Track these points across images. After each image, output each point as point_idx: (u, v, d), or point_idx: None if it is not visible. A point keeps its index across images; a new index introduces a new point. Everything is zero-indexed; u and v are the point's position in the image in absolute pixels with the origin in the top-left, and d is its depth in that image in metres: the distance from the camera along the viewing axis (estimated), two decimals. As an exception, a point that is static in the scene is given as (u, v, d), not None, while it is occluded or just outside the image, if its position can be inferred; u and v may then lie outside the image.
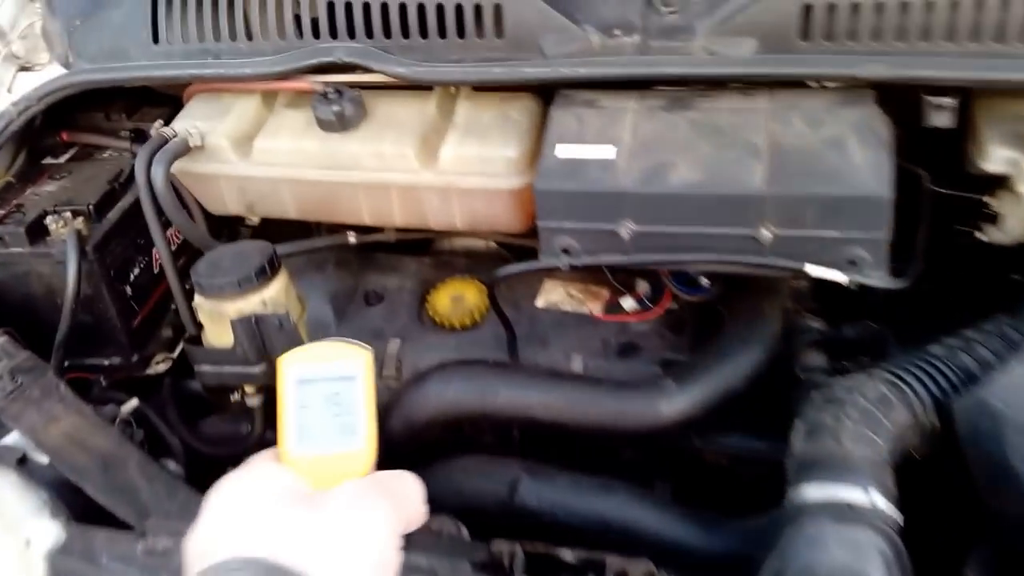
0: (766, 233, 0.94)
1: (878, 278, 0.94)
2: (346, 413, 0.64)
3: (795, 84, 1.03)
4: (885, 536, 0.77)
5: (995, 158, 0.96)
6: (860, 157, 0.92)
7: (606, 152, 1.01)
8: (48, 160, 1.45)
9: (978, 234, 1.08)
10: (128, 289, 1.35)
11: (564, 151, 1.03)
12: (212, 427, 1.33)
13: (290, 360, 0.65)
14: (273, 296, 1.08)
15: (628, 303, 1.29)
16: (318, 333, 1.43)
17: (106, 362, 1.36)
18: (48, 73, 1.36)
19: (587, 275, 1.39)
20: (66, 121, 1.46)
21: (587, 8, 1.11)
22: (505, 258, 1.47)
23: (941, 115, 0.97)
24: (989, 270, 1.13)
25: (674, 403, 1.04)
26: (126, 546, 0.94)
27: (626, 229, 1.00)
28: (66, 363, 1.30)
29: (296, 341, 1.04)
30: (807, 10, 1.02)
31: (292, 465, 0.63)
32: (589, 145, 1.02)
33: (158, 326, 1.41)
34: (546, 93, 1.15)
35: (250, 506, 0.60)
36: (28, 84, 1.34)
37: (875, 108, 0.98)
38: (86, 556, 0.93)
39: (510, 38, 1.12)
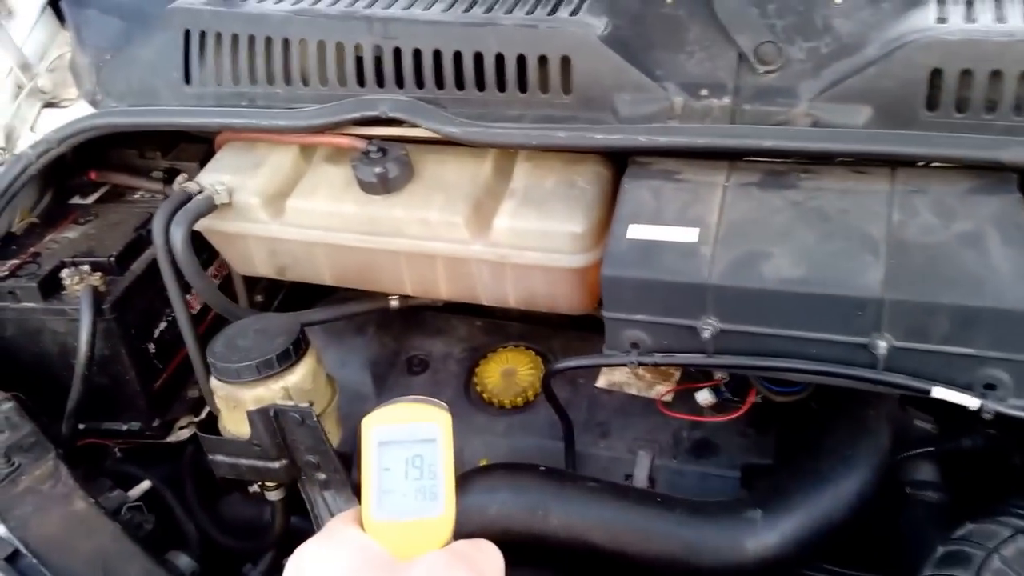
0: (882, 344, 0.78)
1: (1021, 407, 0.77)
2: (427, 477, 0.62)
3: (924, 165, 0.86)
4: None
5: None
6: (1003, 259, 0.76)
7: (687, 235, 0.86)
8: (75, 200, 1.35)
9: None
10: (151, 347, 1.24)
11: (638, 232, 0.88)
12: (233, 508, 1.20)
13: (373, 420, 0.63)
14: (297, 383, 0.95)
15: (703, 396, 1.13)
16: (355, 404, 1.30)
17: (124, 427, 1.25)
18: (75, 111, 1.26)
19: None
20: (96, 158, 1.36)
21: (669, 64, 0.96)
22: (565, 326, 1.33)
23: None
24: None
25: (762, 539, 0.87)
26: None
27: (708, 327, 0.84)
28: (81, 426, 1.20)
29: (321, 440, 0.91)
30: (936, 75, 0.85)
31: (373, 531, 0.61)
32: (668, 227, 0.87)
33: (183, 386, 1.30)
34: (619, 157, 1.00)
35: (332, 573, 0.58)
36: (54, 121, 1.24)
37: (1019, 197, 0.81)
38: None
39: (578, 95, 0.98)
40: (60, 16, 1.34)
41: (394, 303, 1.21)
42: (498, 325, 1.38)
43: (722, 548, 0.87)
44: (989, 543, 0.75)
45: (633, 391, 1.22)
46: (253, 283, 1.34)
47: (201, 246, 1.15)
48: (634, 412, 1.18)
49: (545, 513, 0.92)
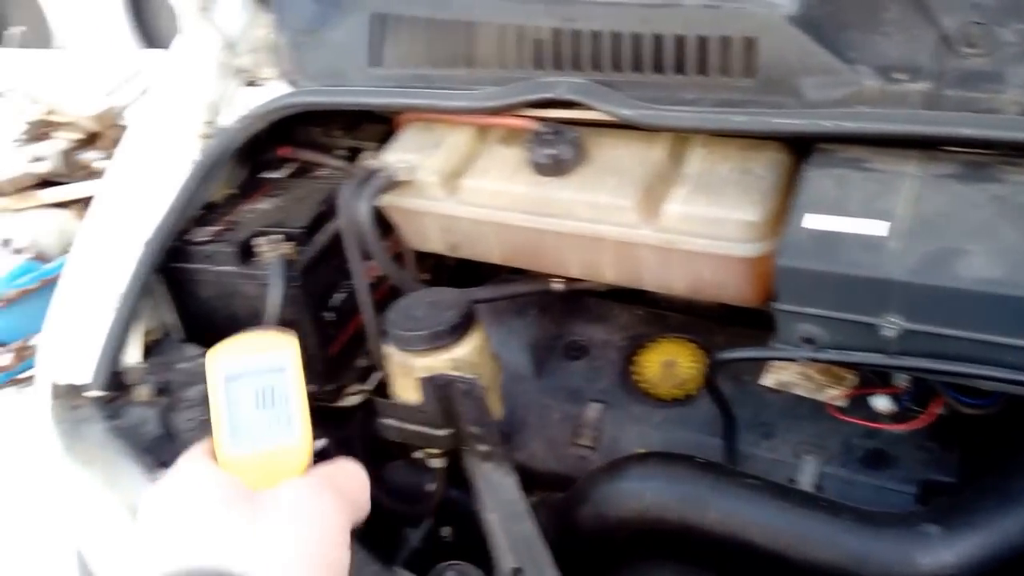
0: (1094, 356, 0.71)
1: None
2: (279, 407, 0.62)
3: None
4: None
5: None
6: None
7: (874, 228, 0.82)
8: (267, 174, 1.45)
9: None
10: (329, 315, 1.31)
11: (818, 222, 0.84)
12: (397, 473, 1.25)
13: (216, 355, 0.63)
14: (465, 356, 0.98)
15: (881, 403, 1.06)
16: (515, 386, 1.32)
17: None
18: (271, 89, 1.35)
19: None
20: (286, 136, 1.45)
21: (863, 46, 0.91)
22: (730, 318, 1.29)
23: None
24: None
25: (937, 556, 0.81)
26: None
27: (891, 326, 0.80)
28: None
29: (485, 412, 0.93)
30: None
31: (227, 465, 0.61)
32: (852, 218, 0.83)
33: (354, 355, 1.36)
34: (800, 143, 0.96)
35: (189, 513, 0.57)
36: (252, 99, 1.33)
37: None
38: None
39: (762, 77, 0.95)
40: (262, -3, 1.44)
41: (557, 286, 1.23)
42: (659, 315, 1.35)
43: (891, 561, 0.82)
44: None
45: (801, 392, 1.17)
46: (420, 261, 1.39)
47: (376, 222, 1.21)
48: (802, 414, 1.12)
49: (703, 506, 0.90)
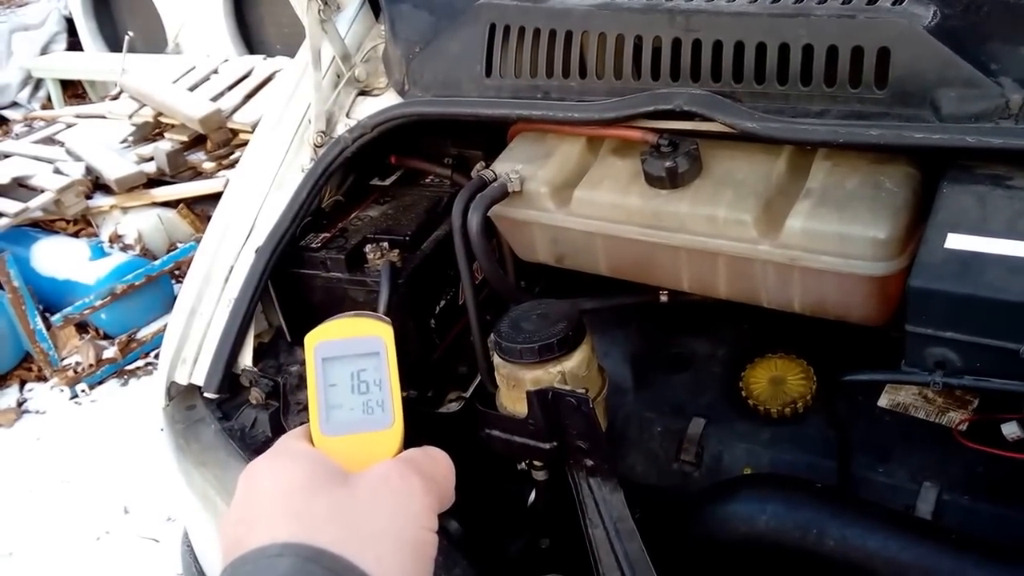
0: None
1: None
2: (372, 391, 0.63)
3: None
4: None
5: None
6: None
7: (1018, 249, 0.77)
8: (375, 181, 1.47)
9: None
10: (432, 322, 1.33)
11: (957, 242, 0.81)
12: (498, 484, 1.25)
13: (315, 337, 0.63)
14: (573, 368, 0.97)
15: (1010, 429, 1.01)
16: (615, 398, 1.31)
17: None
18: (385, 99, 1.37)
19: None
20: (393, 143, 1.47)
21: (1008, 58, 0.87)
22: (845, 335, 1.25)
23: None
24: None
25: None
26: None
27: (1035, 352, 0.75)
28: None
29: (593, 427, 0.92)
30: None
31: (323, 446, 0.62)
32: (995, 239, 0.79)
33: (455, 362, 1.37)
34: (932, 159, 0.92)
35: (285, 490, 0.58)
36: (366, 109, 1.35)
37: None
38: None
39: (894, 90, 0.91)
40: (375, 10, 1.46)
41: (664, 298, 1.21)
42: (767, 331, 1.32)
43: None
44: None
45: (921, 415, 1.12)
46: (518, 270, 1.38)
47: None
48: (921, 438, 1.08)
49: (820, 533, 0.86)
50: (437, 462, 0.65)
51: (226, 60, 4.70)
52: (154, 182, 4.08)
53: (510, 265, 1.37)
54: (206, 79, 4.47)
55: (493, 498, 1.19)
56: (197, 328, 1.19)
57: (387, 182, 1.47)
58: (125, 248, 3.92)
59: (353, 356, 0.63)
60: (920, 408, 1.13)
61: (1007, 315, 0.76)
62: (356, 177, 1.48)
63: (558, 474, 1.02)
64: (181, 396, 1.17)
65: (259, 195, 1.27)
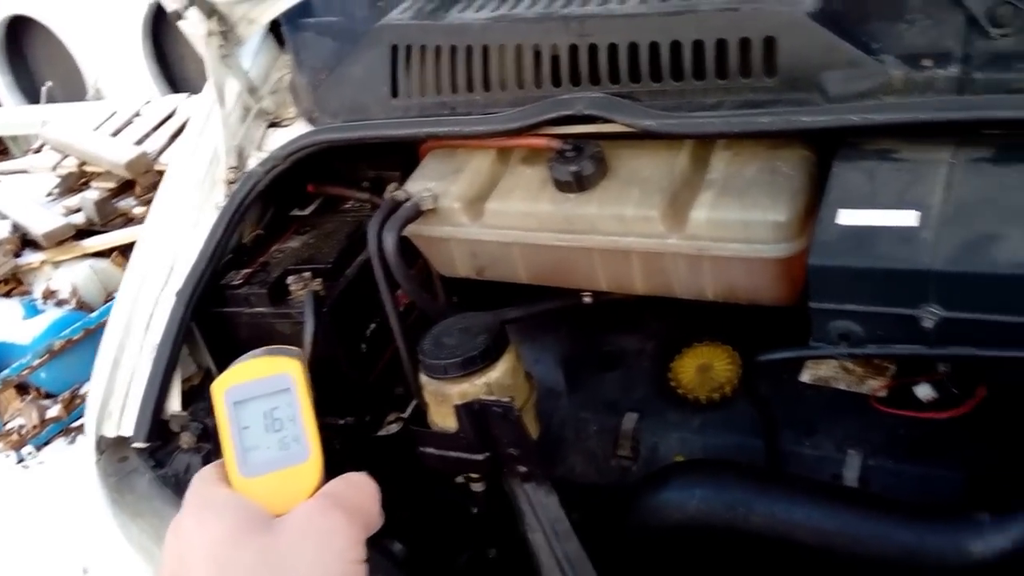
0: None
1: None
2: (288, 426, 0.63)
3: None
4: None
5: None
6: None
7: (906, 219, 0.80)
8: (296, 212, 1.47)
9: None
10: (363, 346, 1.32)
11: (849, 217, 0.83)
12: (440, 500, 1.25)
13: (223, 383, 0.64)
14: (499, 379, 0.97)
15: (924, 391, 1.04)
16: (551, 402, 1.32)
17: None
18: (295, 129, 1.36)
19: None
20: (312, 171, 1.47)
21: (887, 35, 0.90)
22: (769, 317, 1.28)
23: None
24: None
25: (990, 544, 0.79)
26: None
27: (930, 316, 0.78)
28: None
29: (522, 434, 0.93)
30: None
31: (243, 488, 0.62)
32: (883, 210, 0.82)
33: (391, 383, 1.37)
34: (826, 140, 0.95)
35: (211, 543, 0.59)
36: (277, 140, 1.35)
37: None
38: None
39: (783, 76, 0.94)
40: (280, 40, 1.46)
41: (587, 299, 1.22)
42: (693, 320, 1.34)
43: (945, 552, 0.80)
44: None
45: (842, 386, 1.15)
46: (448, 283, 1.39)
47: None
48: (843, 408, 1.11)
49: (747, 511, 0.88)
50: (360, 488, 0.65)
51: (148, 101, 4.64)
52: (84, 233, 4.00)
53: (439, 283, 1.38)
54: (129, 123, 4.41)
55: (437, 514, 1.19)
56: (121, 379, 1.17)
57: (307, 211, 1.47)
58: (60, 303, 3.82)
59: (263, 396, 0.64)
60: (841, 380, 1.16)
61: (900, 283, 0.79)
62: (276, 209, 1.47)
63: (496, 484, 1.03)
64: (112, 449, 1.15)
65: (174, 238, 1.25)
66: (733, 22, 0.95)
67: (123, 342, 1.19)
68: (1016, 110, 0.80)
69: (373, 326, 1.33)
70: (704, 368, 1.25)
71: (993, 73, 0.84)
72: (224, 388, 0.64)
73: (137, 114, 4.47)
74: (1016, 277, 0.73)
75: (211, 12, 1.21)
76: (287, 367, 0.64)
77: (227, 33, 1.27)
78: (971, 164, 0.81)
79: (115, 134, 4.31)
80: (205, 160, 1.30)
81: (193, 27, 1.20)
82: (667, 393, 1.25)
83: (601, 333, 1.38)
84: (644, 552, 0.99)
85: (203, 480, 0.64)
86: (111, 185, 4.08)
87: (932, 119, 0.83)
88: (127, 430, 1.13)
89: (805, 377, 1.18)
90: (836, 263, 0.82)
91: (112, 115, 4.52)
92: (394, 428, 1.33)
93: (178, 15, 1.18)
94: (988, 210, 0.78)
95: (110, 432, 1.14)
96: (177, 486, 1.09)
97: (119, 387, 1.16)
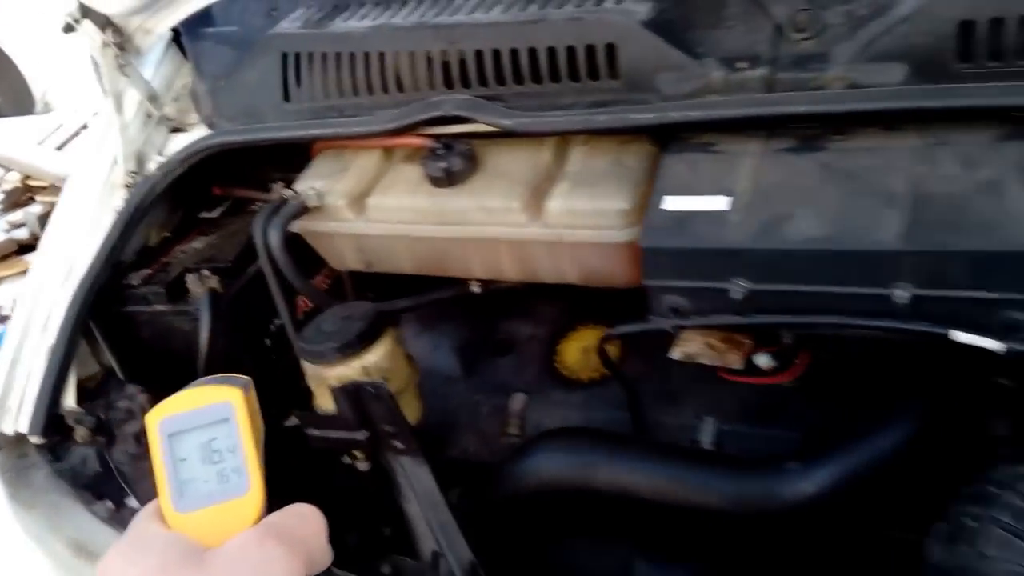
0: (902, 294, 0.80)
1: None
2: (227, 458, 0.60)
3: (953, 117, 0.86)
4: None
5: None
6: (1020, 203, 0.75)
7: (718, 204, 0.90)
8: (203, 214, 1.53)
9: None
10: (267, 340, 1.39)
11: (673, 203, 0.93)
12: (339, 483, 1.32)
13: (157, 414, 0.61)
14: (375, 362, 1.05)
15: (763, 360, 1.15)
16: (445, 386, 1.41)
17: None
18: (195, 134, 1.43)
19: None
20: (221, 175, 1.53)
21: (709, 41, 1.00)
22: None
23: None
24: None
25: (797, 488, 0.90)
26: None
27: (738, 288, 0.88)
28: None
29: (395, 412, 1.01)
30: (967, 27, 0.85)
31: (179, 524, 0.59)
32: (701, 196, 0.91)
33: (300, 377, 1.44)
34: (664, 135, 1.05)
35: None
36: (180, 145, 1.41)
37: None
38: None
39: (626, 79, 1.04)
40: (183, 49, 1.52)
41: (475, 288, 1.31)
42: (580, 306, 1.44)
43: (759, 496, 0.91)
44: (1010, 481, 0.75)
45: (705, 361, 1.24)
46: (366, 280, 1.45)
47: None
48: (704, 381, 1.21)
49: (593, 470, 0.98)
50: (304, 519, 0.62)
51: (96, 113, 4.61)
52: (27, 248, 3.98)
53: (348, 280, 1.45)
54: (76, 135, 4.39)
55: (332, 496, 1.26)
56: (20, 377, 1.22)
57: (215, 214, 1.53)
58: (2, 319, 3.81)
59: (201, 427, 0.60)
60: (705, 355, 1.25)
61: (713, 260, 0.89)
62: (185, 212, 1.53)
63: (379, 464, 1.11)
64: (11, 446, 1.20)
65: (73, 241, 1.31)
66: (579, 30, 1.04)
67: (22, 342, 1.25)
68: (810, 105, 0.90)
69: (279, 322, 1.40)
70: (587, 350, 1.34)
71: (794, 73, 0.94)
72: (158, 419, 0.60)
73: (84, 127, 4.45)
74: (803, 251, 0.83)
75: (105, 24, 1.27)
76: (227, 396, 0.61)
77: (123, 44, 1.33)
78: (774, 154, 0.92)
79: (61, 147, 4.29)
80: (106, 166, 1.36)
81: (87, 38, 1.26)
82: (554, 374, 1.34)
83: (497, 321, 1.47)
84: (512, 517, 1.08)
85: (139, 518, 0.61)
86: (55, 199, 4.05)
87: (741, 115, 0.93)
88: (23, 427, 1.19)
89: (675, 354, 1.28)
90: (662, 244, 0.92)
91: (58, 128, 4.49)
92: (296, 421, 1.40)
93: (70, 27, 1.23)
94: (784, 194, 0.88)
95: (8, 429, 1.20)
96: (74, 479, 1.15)
97: (17, 385, 1.21)
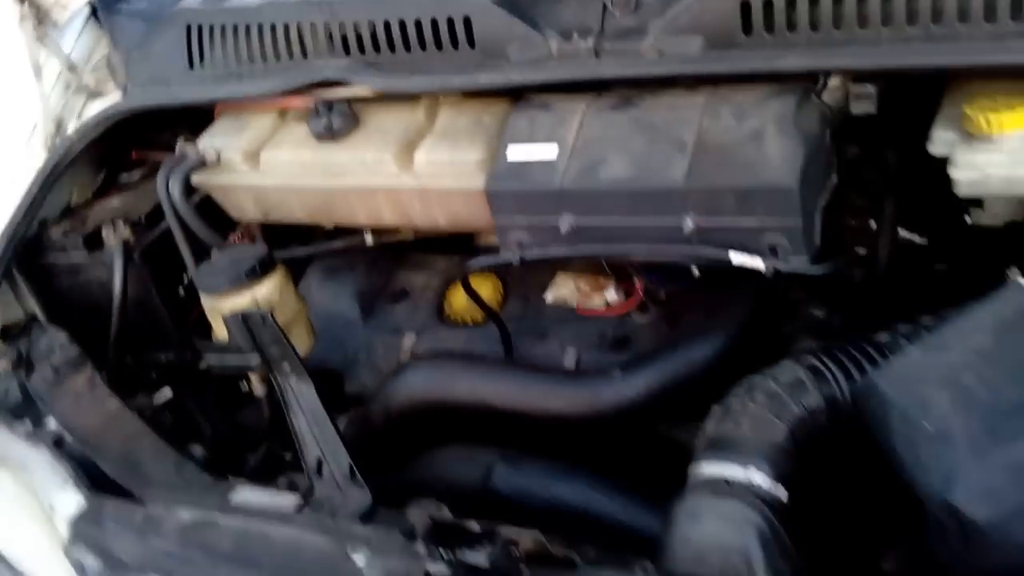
0: (689, 224, 0.96)
1: (798, 264, 0.94)
2: None
3: (735, 80, 1.03)
4: (760, 511, 0.79)
5: (938, 141, 0.93)
6: (775, 148, 0.93)
7: (549, 152, 1.06)
8: (123, 176, 1.65)
9: (968, 218, 1.05)
10: (181, 290, 1.52)
11: (514, 152, 1.09)
12: (248, 416, 1.46)
13: None
14: (265, 295, 1.20)
15: (610, 296, 1.32)
16: (346, 329, 1.55)
17: (163, 357, 1.53)
18: (111, 100, 1.54)
19: (598, 267, 1.42)
20: (138, 138, 1.65)
21: (549, 15, 1.15)
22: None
23: (862, 103, 0.95)
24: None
25: (617, 391, 1.07)
26: (128, 513, 1.08)
27: (565, 223, 1.04)
28: (128, 359, 1.49)
29: (278, 335, 1.15)
30: (746, 8, 1.01)
31: None
32: (535, 145, 1.07)
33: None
34: (517, 97, 1.20)
35: None
36: (95, 110, 1.52)
37: (807, 99, 0.97)
38: (95, 521, 1.08)
39: (481, 48, 1.18)
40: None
41: (368, 240, 1.45)
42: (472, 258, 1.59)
43: (586, 400, 1.08)
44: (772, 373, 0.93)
45: (574, 303, 1.42)
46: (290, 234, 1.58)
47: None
48: (570, 319, 1.38)
49: (453, 385, 1.14)
50: None
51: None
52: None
53: (258, 231, 1.58)
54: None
55: (232, 425, 1.41)
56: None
57: (134, 176, 1.65)
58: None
59: None
60: (573, 298, 1.43)
61: (544, 200, 1.05)
62: (107, 175, 1.65)
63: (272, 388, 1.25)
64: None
65: (-3, 197, 1.43)
66: (439, 4, 1.19)
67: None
68: (624, 68, 1.06)
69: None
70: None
71: (617, 43, 1.09)
72: None
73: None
74: (611, 191, 1.00)
75: (21, -1, 1.38)
76: None
77: (41, 17, 1.44)
78: (597, 111, 1.08)
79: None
80: (26, 131, 1.47)
81: (4, 12, 1.37)
82: (443, 318, 1.50)
83: (394, 272, 1.62)
84: (393, 432, 1.24)
85: None
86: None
87: (568, 78, 1.09)
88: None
89: (548, 298, 1.45)
90: (504, 188, 1.08)
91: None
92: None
93: (-14, 2, 1.34)
94: (602, 143, 1.04)
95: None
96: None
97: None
